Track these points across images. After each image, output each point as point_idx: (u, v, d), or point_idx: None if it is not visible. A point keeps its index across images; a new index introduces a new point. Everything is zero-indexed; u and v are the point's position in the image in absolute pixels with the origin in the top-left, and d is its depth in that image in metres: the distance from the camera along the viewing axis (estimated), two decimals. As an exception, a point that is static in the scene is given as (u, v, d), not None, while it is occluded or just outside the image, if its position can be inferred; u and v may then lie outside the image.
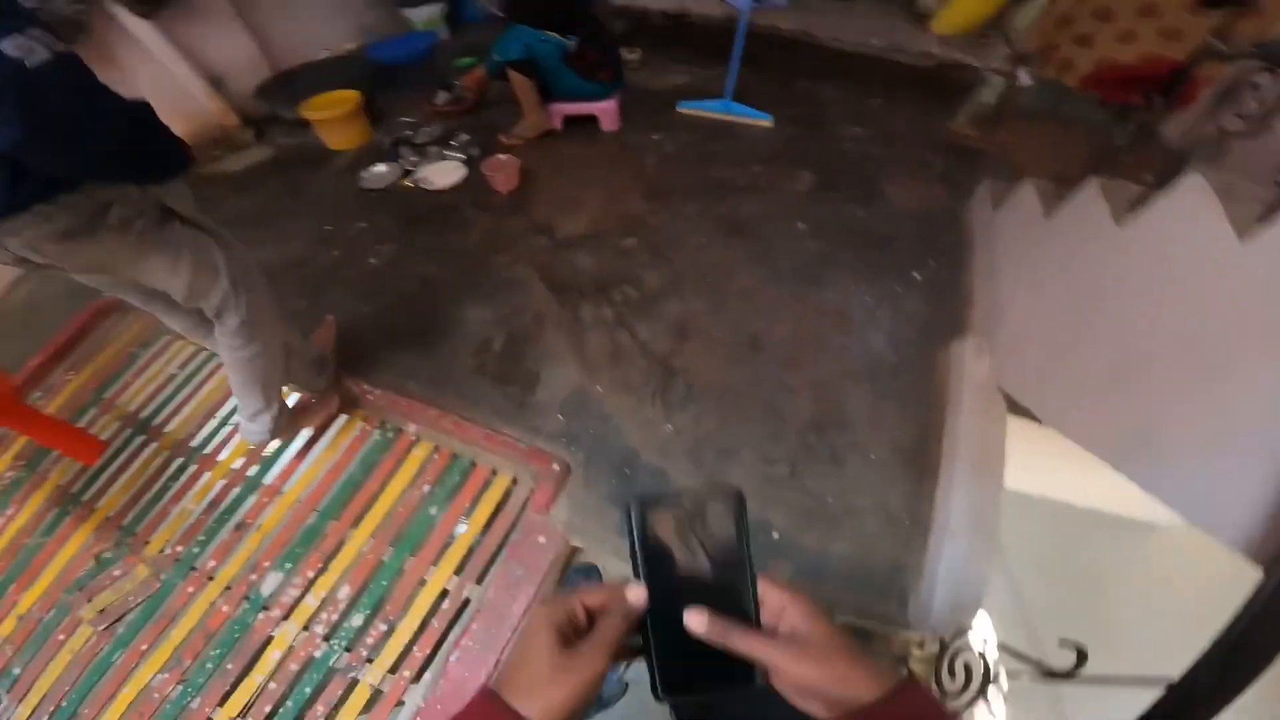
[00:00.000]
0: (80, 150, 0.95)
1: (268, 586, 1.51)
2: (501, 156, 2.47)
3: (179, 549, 1.60)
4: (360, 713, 1.34)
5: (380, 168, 2.61)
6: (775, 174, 2.53)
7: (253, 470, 1.73)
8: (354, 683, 1.38)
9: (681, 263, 2.15)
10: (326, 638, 1.43)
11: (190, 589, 1.53)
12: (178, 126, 2.75)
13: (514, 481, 1.63)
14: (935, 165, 2.60)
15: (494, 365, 1.88)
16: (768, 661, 0.42)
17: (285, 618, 1.46)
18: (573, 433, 1.69)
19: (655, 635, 0.45)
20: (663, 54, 3.43)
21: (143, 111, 1.05)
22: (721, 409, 1.73)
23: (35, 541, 1.66)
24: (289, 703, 1.35)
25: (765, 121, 2.80)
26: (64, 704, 1.41)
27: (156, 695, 1.39)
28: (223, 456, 1.77)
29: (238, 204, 2.59)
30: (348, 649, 1.41)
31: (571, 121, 2.77)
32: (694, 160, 2.63)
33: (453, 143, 2.67)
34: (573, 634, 0.44)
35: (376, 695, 1.36)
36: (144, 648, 1.46)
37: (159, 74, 2.70)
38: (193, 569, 1.57)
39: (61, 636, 1.50)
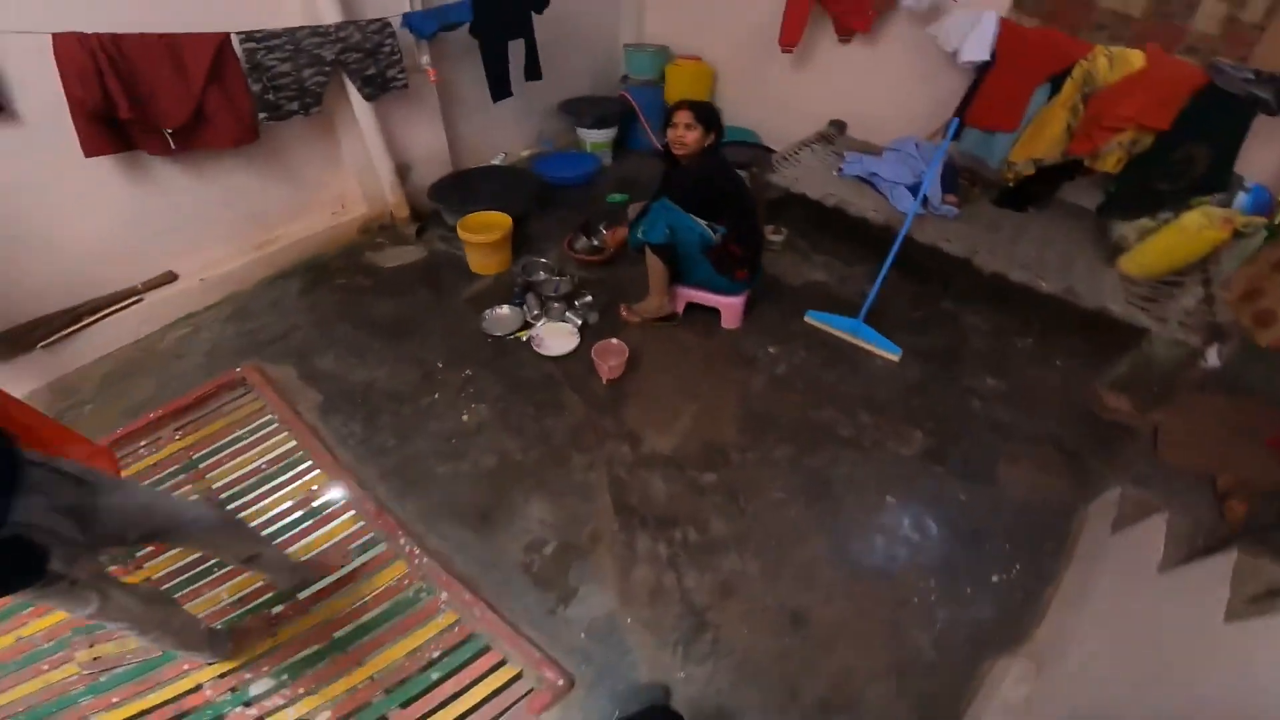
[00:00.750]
0: None
1: (257, 688, 1.62)
2: (613, 342, 2.51)
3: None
4: None
5: (504, 310, 2.74)
6: (884, 429, 2.38)
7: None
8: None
9: (753, 515, 2.07)
10: None
11: (186, 666, 1.65)
12: (357, 206, 3.09)
13: (518, 676, 1.66)
14: (1067, 444, 2.34)
15: (540, 567, 1.92)
16: None
17: None
18: (589, 653, 1.70)
19: None
20: (808, 239, 3.35)
21: None
22: (738, 672, 1.68)
23: None
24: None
25: (892, 355, 2.65)
26: (37, 709, 1.57)
27: None
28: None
29: (375, 309, 2.82)
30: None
31: (693, 306, 2.76)
32: (804, 389, 2.53)
33: (576, 303, 2.75)
34: None
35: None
36: (114, 700, 1.58)
37: (361, 151, 3.02)
38: None
39: (46, 666, 1.66)
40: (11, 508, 0.95)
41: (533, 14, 3.10)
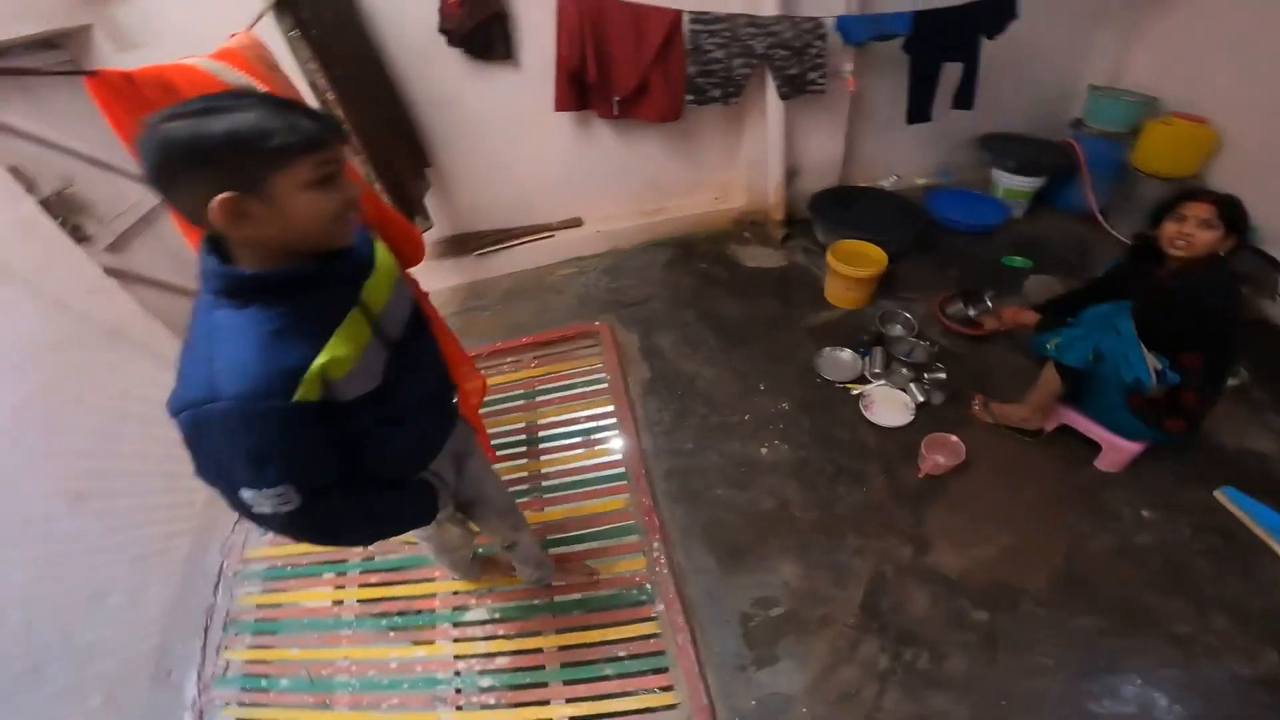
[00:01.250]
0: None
1: (471, 615, 1.94)
2: (951, 439, 2.20)
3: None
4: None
5: (844, 354, 2.60)
6: (1231, 640, 1.75)
7: (567, 534, 2.12)
8: None
9: (1003, 669, 1.74)
10: (458, 673, 1.84)
11: (436, 573, 2.02)
12: (738, 198, 3.22)
13: (673, 706, 1.71)
14: None
15: (757, 624, 1.88)
16: None
17: (454, 640, 1.89)
18: (746, 712, 1.69)
19: None
20: (1266, 391, 2.43)
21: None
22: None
23: None
24: None
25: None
26: (283, 569, 2.11)
27: (333, 611, 2.02)
28: (567, 505, 2.20)
29: (721, 304, 2.96)
30: None
31: (1068, 426, 2.25)
32: (1157, 570, 1.94)
33: (925, 375, 2.46)
34: None
35: None
36: (372, 581, 2.06)
37: (759, 147, 3.12)
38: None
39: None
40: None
41: (982, 38, 2.71)
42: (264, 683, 1.88)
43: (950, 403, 2.42)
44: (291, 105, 0.78)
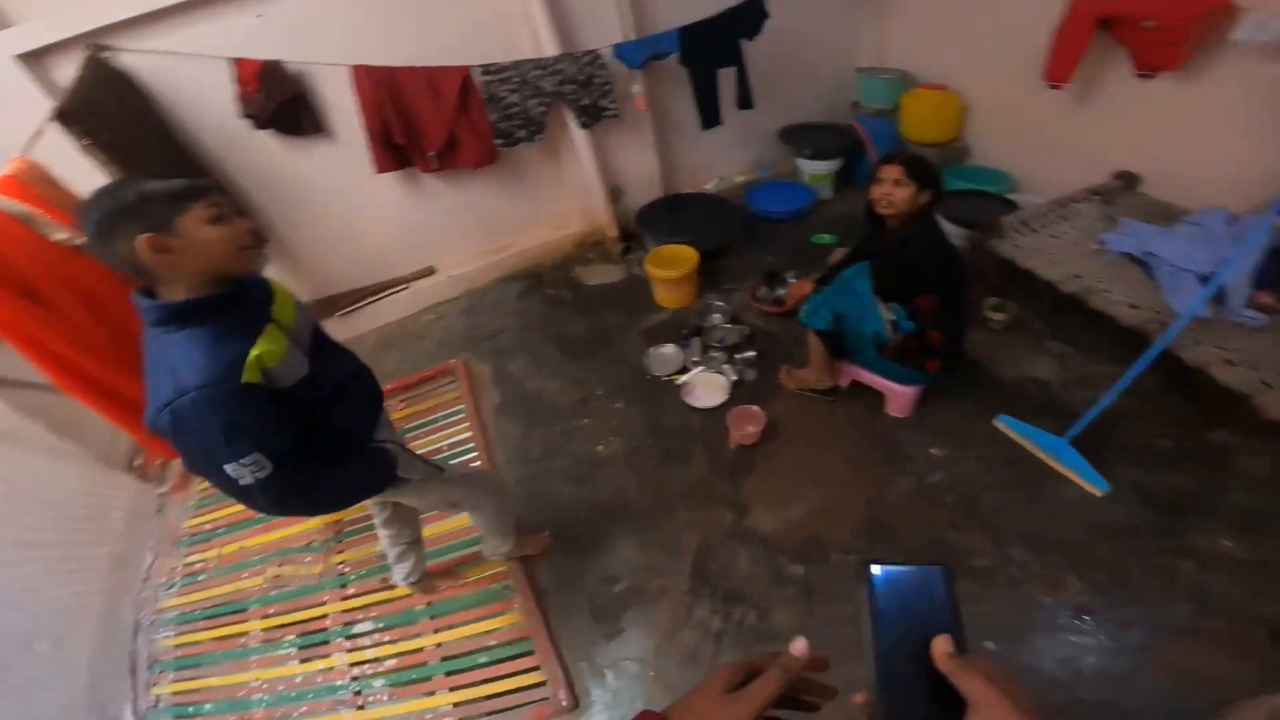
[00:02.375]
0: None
1: (359, 628, 2.17)
2: (752, 409, 2.45)
3: (346, 570, 2.33)
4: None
5: (667, 350, 2.85)
6: (1033, 570, 1.97)
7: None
8: None
9: (821, 621, 1.94)
10: (354, 679, 2.06)
11: (326, 598, 2.26)
12: (575, 223, 3.43)
13: (542, 683, 1.92)
14: None
15: (603, 602, 2.10)
16: (978, 696, 0.42)
17: (348, 651, 2.12)
18: (605, 688, 1.89)
19: (885, 694, 0.47)
20: (1041, 321, 2.74)
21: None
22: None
23: None
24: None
25: (1095, 489, 2.11)
26: (194, 613, 2.32)
27: (240, 641, 2.23)
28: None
29: (567, 324, 3.18)
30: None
31: (860, 383, 2.51)
32: (954, 506, 2.17)
33: (737, 356, 2.72)
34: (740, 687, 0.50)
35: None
36: (270, 611, 2.27)
37: (579, 174, 3.36)
38: (341, 587, 2.29)
39: (245, 576, 2.39)
40: (377, 429, 1.44)
41: (743, 41, 3.01)
42: (191, 709, 2.14)
43: (763, 377, 2.69)
44: (177, 173, 1.14)
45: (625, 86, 3.07)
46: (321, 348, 1.34)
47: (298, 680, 2.10)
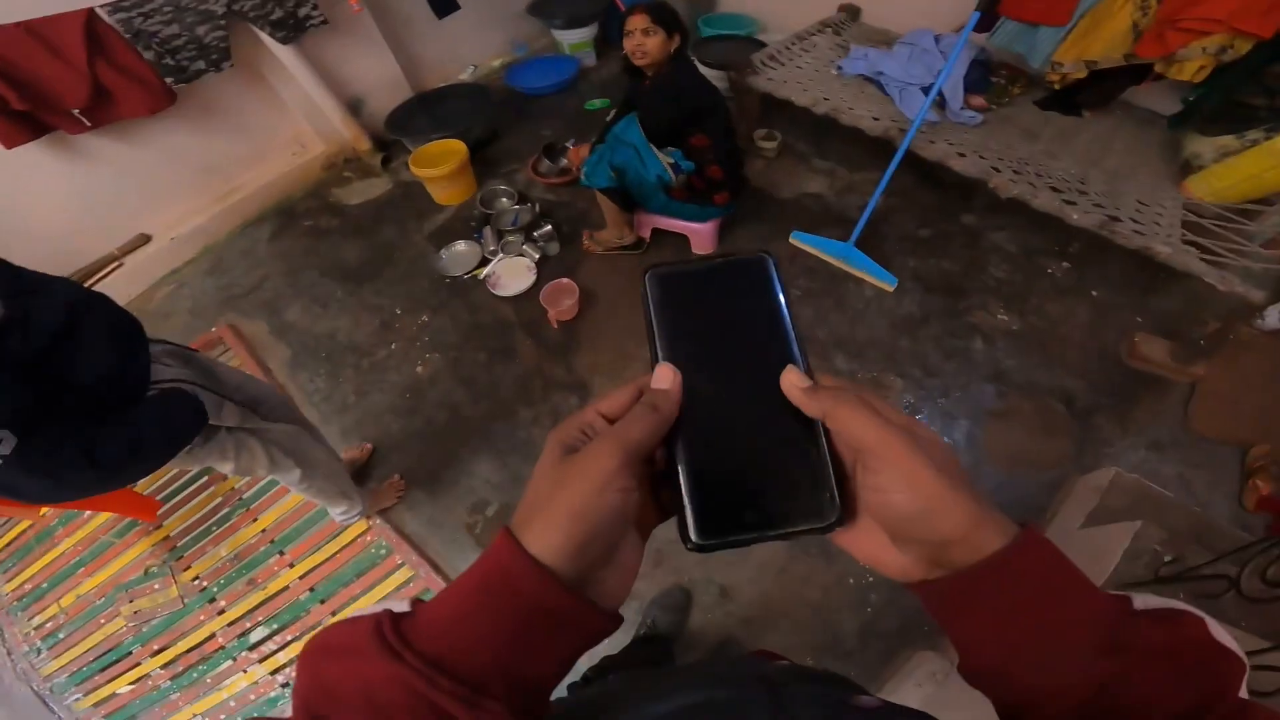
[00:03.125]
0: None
1: (256, 635, 1.91)
2: (563, 282, 2.35)
3: (205, 583, 2.02)
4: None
5: (460, 247, 2.61)
6: (860, 378, 2.15)
7: (277, 538, 2.05)
8: None
9: None
10: (284, 685, 1.83)
11: (202, 617, 1.96)
12: (315, 145, 2.93)
13: None
14: (1079, 399, 2.06)
15: (481, 529, 1.95)
16: (873, 442, 0.31)
17: (260, 661, 1.86)
18: None
19: (688, 453, 0.34)
20: (806, 144, 2.95)
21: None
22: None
23: (108, 540, 2.14)
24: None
25: (887, 285, 2.35)
26: (84, 669, 1.94)
27: (150, 683, 1.89)
28: (259, 518, 2.10)
29: (340, 252, 2.77)
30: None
31: (663, 230, 2.52)
32: None
33: (535, 234, 2.56)
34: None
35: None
36: (155, 648, 1.93)
37: (300, 93, 2.86)
38: (210, 601, 1.98)
39: (103, 620, 2.00)
40: (150, 370, 1.14)
41: None
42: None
43: (566, 248, 2.59)
44: None
45: None
46: (20, 285, 1.01)
47: (232, 705, 1.85)
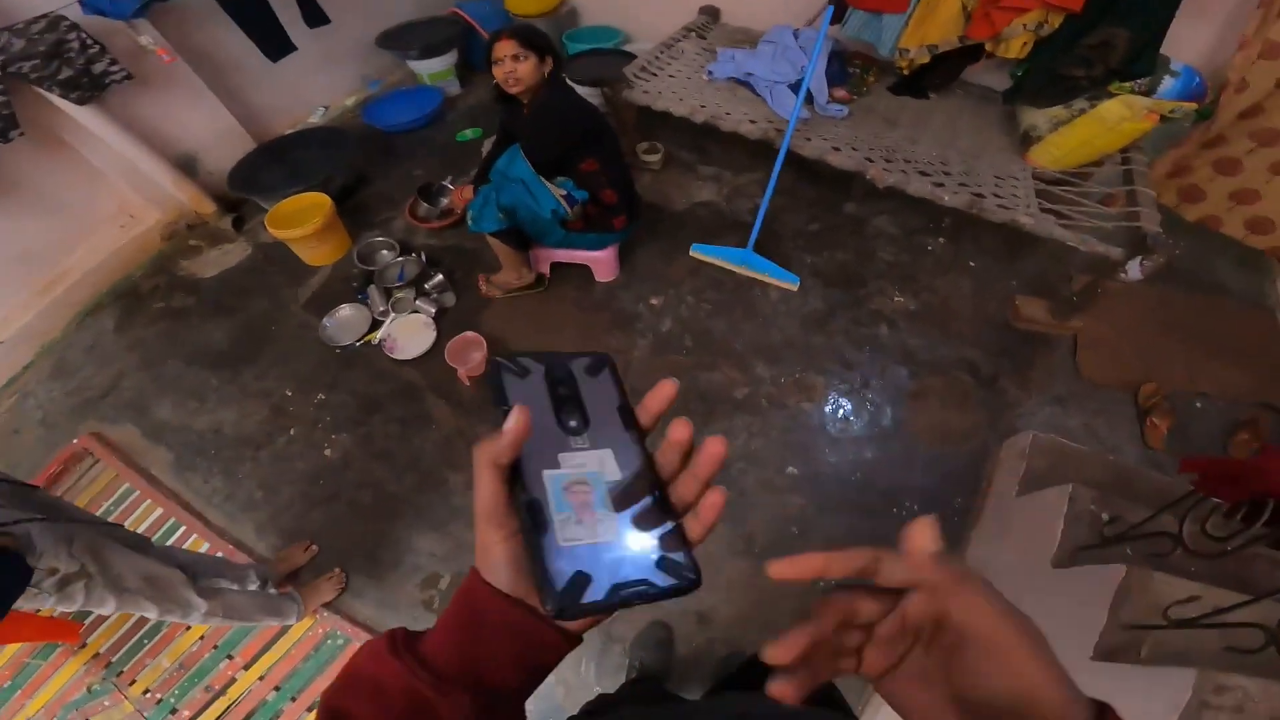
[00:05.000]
0: None
1: None
2: (468, 335, 2.25)
3: (159, 695, 1.82)
4: None
5: (345, 311, 2.43)
6: (784, 384, 2.22)
7: (219, 643, 1.88)
8: None
9: None
10: None
11: None
12: (148, 215, 2.59)
13: None
14: (982, 367, 2.24)
15: (440, 603, 1.86)
16: (990, 630, 0.33)
17: None
18: None
19: (536, 523, 0.35)
20: (689, 152, 3.00)
21: None
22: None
23: (34, 663, 1.93)
24: None
25: (790, 285, 2.44)
26: None
27: None
28: (193, 625, 1.88)
29: (203, 335, 2.50)
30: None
31: (563, 263, 2.46)
32: (693, 347, 2.32)
33: (426, 285, 2.43)
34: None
35: None
36: None
37: (113, 156, 2.53)
38: (172, 713, 1.79)
39: None
40: None
41: None
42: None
43: (463, 297, 2.49)
44: None
45: (128, 42, 2.32)
46: None
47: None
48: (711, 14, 3.17)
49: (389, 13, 3.28)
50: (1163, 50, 2.22)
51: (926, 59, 2.52)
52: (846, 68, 2.77)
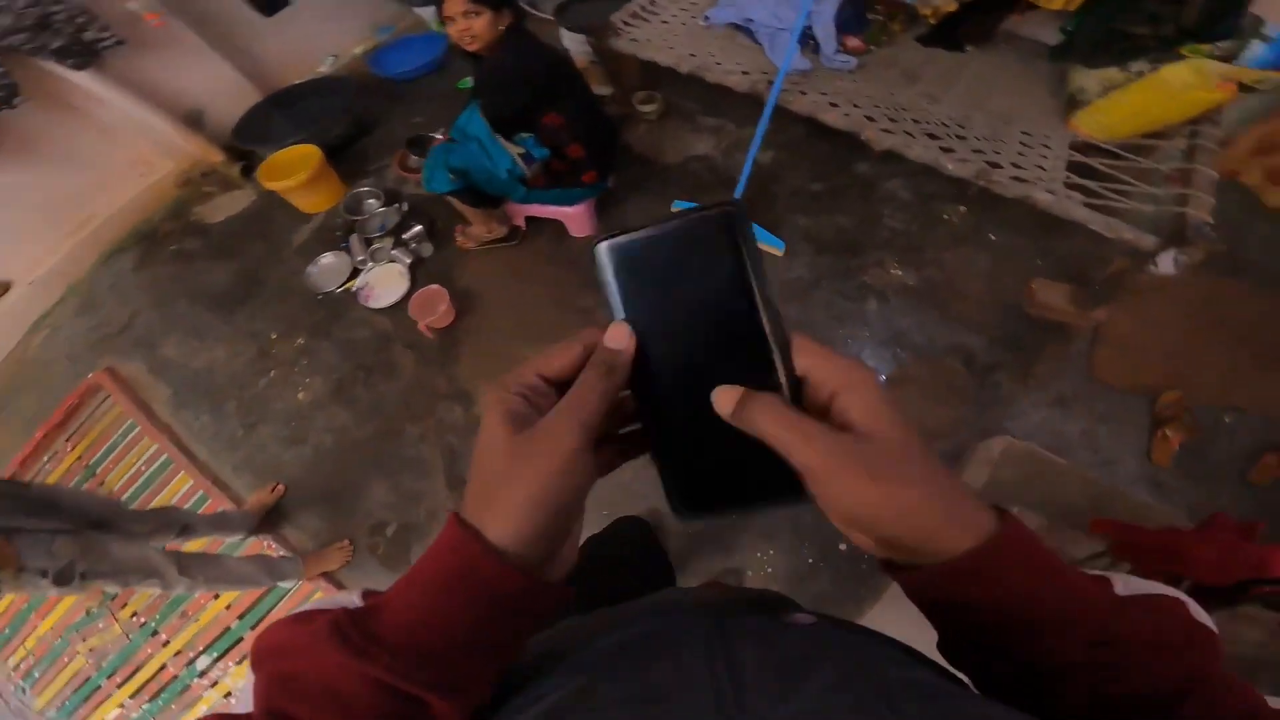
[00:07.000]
0: None
1: (201, 663, 1.99)
2: (431, 288, 2.29)
3: (144, 619, 2.07)
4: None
5: (328, 259, 2.53)
6: None
7: None
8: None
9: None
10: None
11: (150, 650, 2.03)
12: (162, 165, 2.74)
13: None
14: (979, 356, 2.06)
15: (385, 549, 1.96)
16: (805, 465, 0.30)
17: (211, 686, 1.95)
18: None
19: (659, 424, 0.35)
20: (693, 102, 2.85)
21: None
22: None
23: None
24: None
25: (775, 250, 2.32)
26: (67, 703, 2.02)
27: (126, 712, 1.97)
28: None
29: (208, 276, 2.68)
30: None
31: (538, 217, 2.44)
32: None
33: (404, 236, 2.48)
34: (535, 415, 0.33)
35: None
36: (119, 682, 2.01)
37: (122, 113, 2.68)
38: (154, 635, 2.04)
39: (66, 659, 2.08)
40: None
41: None
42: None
43: (442, 248, 2.53)
44: None
45: (116, 8, 2.42)
46: None
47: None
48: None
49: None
50: (1256, 11, 1.87)
51: (954, 6, 2.28)
52: (865, 14, 2.53)
